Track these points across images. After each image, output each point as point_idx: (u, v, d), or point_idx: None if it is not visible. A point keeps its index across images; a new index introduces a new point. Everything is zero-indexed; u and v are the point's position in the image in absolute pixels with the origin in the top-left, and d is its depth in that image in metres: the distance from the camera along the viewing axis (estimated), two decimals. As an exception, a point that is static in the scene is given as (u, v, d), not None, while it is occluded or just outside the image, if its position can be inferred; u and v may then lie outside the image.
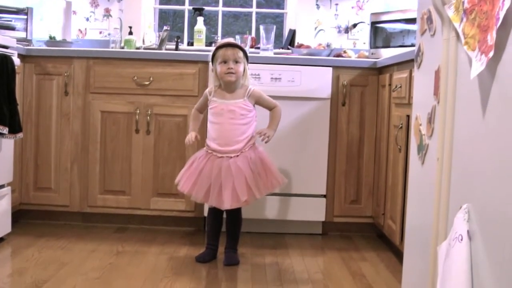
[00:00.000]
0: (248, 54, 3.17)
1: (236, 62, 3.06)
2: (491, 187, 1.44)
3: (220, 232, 3.22)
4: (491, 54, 1.40)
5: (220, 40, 3.24)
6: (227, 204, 2.98)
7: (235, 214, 3.16)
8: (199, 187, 3.02)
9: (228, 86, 3.10)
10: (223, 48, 3.07)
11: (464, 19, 1.63)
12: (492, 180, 1.44)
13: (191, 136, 3.15)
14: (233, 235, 3.20)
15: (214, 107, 3.11)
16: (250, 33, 4.70)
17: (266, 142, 3.11)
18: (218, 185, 2.99)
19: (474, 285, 1.49)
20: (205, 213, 3.66)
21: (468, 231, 1.55)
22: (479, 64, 1.46)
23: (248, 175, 3.00)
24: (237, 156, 3.02)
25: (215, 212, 3.15)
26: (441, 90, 1.85)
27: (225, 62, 3.05)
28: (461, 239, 1.55)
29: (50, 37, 4.33)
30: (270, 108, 3.20)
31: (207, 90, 3.20)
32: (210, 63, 3.19)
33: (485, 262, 1.45)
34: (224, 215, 3.20)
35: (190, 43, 4.68)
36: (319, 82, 3.66)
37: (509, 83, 1.36)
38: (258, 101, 3.16)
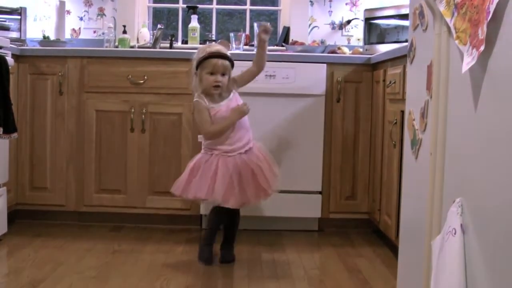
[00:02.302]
0: (234, 61, 3.11)
1: (223, 74, 3.01)
2: (483, 180, 1.45)
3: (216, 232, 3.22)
4: (482, 48, 1.40)
5: (208, 47, 3.11)
6: (253, 199, 3.02)
7: (236, 211, 3.15)
8: (218, 189, 2.94)
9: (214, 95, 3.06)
10: (214, 59, 2.99)
11: (455, 14, 1.63)
12: (485, 174, 1.44)
13: (245, 107, 3.03)
14: (232, 232, 3.20)
15: (217, 111, 3.03)
16: (244, 31, 4.70)
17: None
18: (237, 182, 2.96)
19: (467, 278, 1.50)
20: (201, 211, 3.68)
21: (461, 225, 1.55)
22: (470, 58, 1.47)
23: (264, 167, 3.02)
24: (246, 153, 3.02)
25: (225, 212, 3.09)
26: (434, 85, 1.85)
27: (212, 73, 2.99)
28: (455, 233, 1.55)
29: (44, 37, 4.32)
30: (250, 69, 3.16)
31: (200, 101, 3.03)
32: (194, 67, 3.07)
33: (478, 255, 1.46)
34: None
35: (185, 42, 4.67)
36: (314, 78, 3.67)
37: (500, 77, 1.36)
38: (241, 80, 3.13)
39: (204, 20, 5.00)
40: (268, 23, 3.13)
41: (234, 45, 4.09)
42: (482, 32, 1.40)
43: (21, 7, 4.32)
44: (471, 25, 1.49)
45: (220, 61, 2.99)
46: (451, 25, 1.67)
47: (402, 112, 2.95)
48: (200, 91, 3.06)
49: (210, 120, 3.03)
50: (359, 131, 3.75)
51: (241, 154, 3.01)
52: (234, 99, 3.08)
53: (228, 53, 3.10)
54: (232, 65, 3.08)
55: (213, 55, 3.00)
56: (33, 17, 4.59)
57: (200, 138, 3.18)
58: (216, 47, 3.11)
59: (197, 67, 3.05)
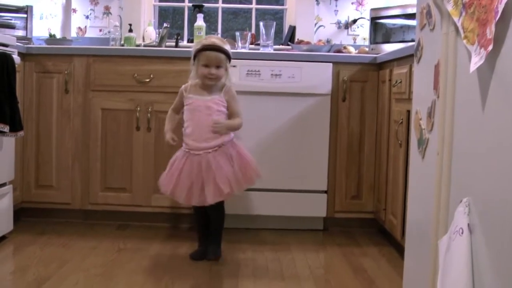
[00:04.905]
0: (231, 54, 3.11)
1: (218, 66, 3.03)
2: (491, 180, 1.45)
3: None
4: (490, 47, 1.40)
5: (205, 39, 3.16)
6: (209, 199, 2.98)
7: (217, 208, 3.12)
8: (181, 188, 3.01)
9: (207, 86, 3.08)
10: (207, 51, 3.02)
11: (463, 13, 1.63)
12: (492, 173, 1.44)
13: (167, 138, 3.15)
14: (215, 229, 3.19)
15: (190, 103, 3.08)
16: (250, 30, 4.70)
17: (214, 131, 3.02)
18: (200, 182, 2.99)
19: (474, 278, 1.50)
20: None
21: (468, 225, 1.55)
22: (478, 58, 1.47)
23: (227, 169, 3.00)
24: (216, 151, 3.01)
25: (200, 210, 3.15)
26: (441, 84, 1.85)
27: (206, 65, 3.02)
28: (462, 233, 1.55)
29: (50, 35, 4.33)
30: (233, 116, 3.10)
31: (182, 88, 3.17)
32: (192, 58, 3.12)
33: (486, 255, 1.45)
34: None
35: (190, 40, 4.67)
36: (319, 78, 3.66)
37: (508, 77, 1.36)
38: (228, 101, 3.09)
39: (210, 19, 5.00)
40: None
41: (240, 44, 4.09)
42: (490, 31, 1.40)
43: (27, 6, 4.33)
44: (479, 24, 1.49)
45: (214, 54, 3.01)
46: (459, 24, 1.66)
47: (408, 111, 2.95)
48: (194, 82, 3.12)
49: (176, 106, 3.19)
50: (365, 131, 3.74)
51: (208, 153, 3.01)
52: (212, 102, 3.06)
53: (227, 46, 3.10)
54: (229, 58, 3.09)
55: (207, 48, 3.03)
56: (39, 15, 4.60)
57: None
58: (212, 39, 3.12)
59: (194, 59, 3.09)
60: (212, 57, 3.01)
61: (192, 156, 3.02)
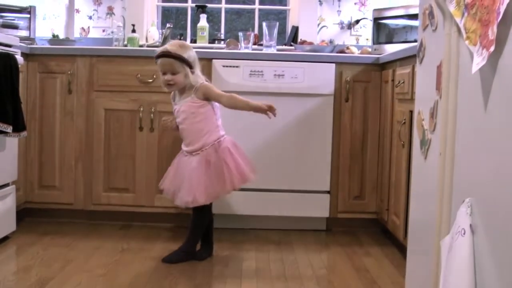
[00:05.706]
0: (187, 58, 3.01)
1: (173, 73, 3.00)
2: (493, 180, 1.45)
3: (210, 229, 3.23)
4: (492, 48, 1.40)
5: (159, 49, 3.10)
6: (180, 202, 3.03)
7: (199, 209, 3.12)
8: (168, 185, 3.13)
9: (180, 91, 3.11)
10: (159, 59, 3.02)
11: (466, 14, 1.63)
12: (495, 174, 1.44)
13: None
14: (193, 228, 3.16)
15: (173, 110, 3.17)
16: (253, 30, 4.70)
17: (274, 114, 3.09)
18: (179, 184, 3.05)
19: (476, 279, 1.50)
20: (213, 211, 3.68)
21: (470, 225, 1.55)
22: (480, 59, 1.47)
23: (198, 177, 2.99)
24: (198, 154, 3.03)
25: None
26: (443, 85, 1.85)
27: (163, 73, 3.03)
28: (464, 233, 1.55)
29: (53, 36, 4.34)
30: (221, 99, 3.05)
31: (171, 96, 3.24)
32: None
33: (488, 255, 1.45)
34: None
35: (193, 41, 4.68)
36: (322, 78, 3.67)
37: (510, 77, 1.36)
38: (207, 95, 3.05)
39: (213, 19, 5.01)
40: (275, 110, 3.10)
41: (243, 45, 4.09)
42: (492, 32, 1.40)
43: (30, 6, 4.33)
44: (482, 25, 1.49)
45: (166, 60, 3.00)
46: (461, 25, 1.66)
47: (411, 112, 2.94)
48: None
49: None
50: (368, 131, 3.74)
51: (192, 156, 3.05)
52: (185, 106, 3.07)
53: (183, 51, 3.02)
54: (184, 61, 3.00)
55: (158, 55, 3.03)
56: (43, 15, 4.61)
57: None
58: (167, 45, 3.07)
59: None
60: (165, 64, 3.00)
61: (181, 157, 3.13)
